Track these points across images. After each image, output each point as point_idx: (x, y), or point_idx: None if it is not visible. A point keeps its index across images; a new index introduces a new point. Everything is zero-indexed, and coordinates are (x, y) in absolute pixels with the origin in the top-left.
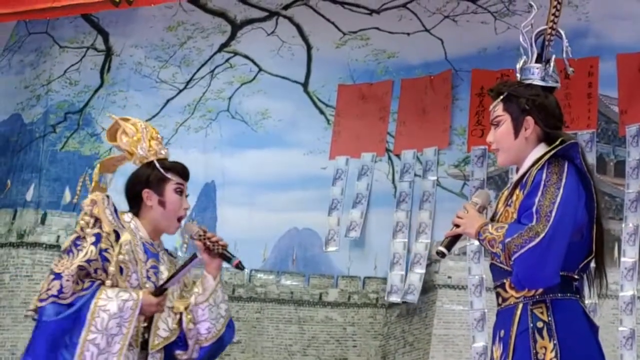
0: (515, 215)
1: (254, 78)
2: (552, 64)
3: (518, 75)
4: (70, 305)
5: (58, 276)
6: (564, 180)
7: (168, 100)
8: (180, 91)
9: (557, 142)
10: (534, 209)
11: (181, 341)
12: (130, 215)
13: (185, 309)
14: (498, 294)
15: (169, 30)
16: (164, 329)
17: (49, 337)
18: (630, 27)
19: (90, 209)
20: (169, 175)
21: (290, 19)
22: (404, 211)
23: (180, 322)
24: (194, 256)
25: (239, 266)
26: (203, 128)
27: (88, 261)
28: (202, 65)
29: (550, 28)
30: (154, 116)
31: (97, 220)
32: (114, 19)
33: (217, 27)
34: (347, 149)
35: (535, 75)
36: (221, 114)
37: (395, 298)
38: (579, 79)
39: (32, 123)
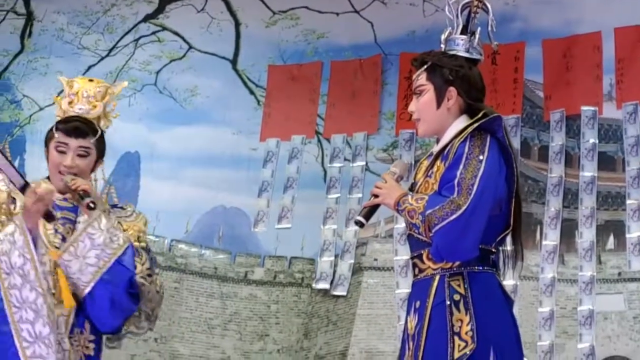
0: (435, 187)
1: (184, 55)
2: (477, 36)
3: (442, 46)
4: None
5: None
6: (486, 154)
7: (90, 67)
8: (103, 58)
9: (480, 115)
10: (455, 182)
11: None
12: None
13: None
14: (415, 265)
15: None
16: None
17: None
18: (556, 12)
19: None
20: (55, 134)
21: None
22: (334, 197)
23: None
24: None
25: (89, 206)
26: (126, 97)
27: None
28: (126, 34)
29: (477, 0)
30: None
31: None
32: None
33: None
34: (277, 131)
35: (460, 47)
36: (148, 87)
37: (323, 285)
38: (505, 64)
39: None
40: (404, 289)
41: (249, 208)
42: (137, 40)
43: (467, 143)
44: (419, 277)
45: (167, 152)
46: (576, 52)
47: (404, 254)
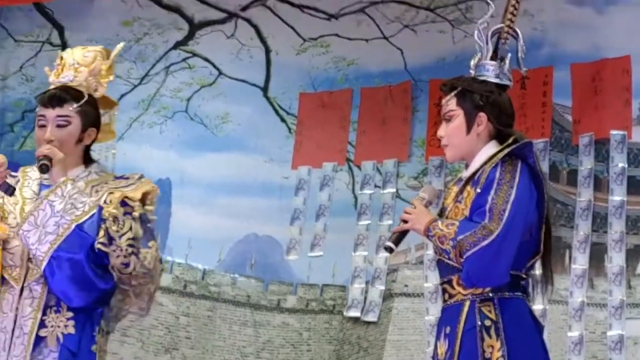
0: (466, 212)
1: (214, 81)
2: (507, 62)
3: (472, 71)
4: None
5: None
6: (517, 179)
7: (122, 95)
8: (135, 86)
9: (510, 140)
10: (487, 207)
11: None
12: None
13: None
14: (444, 290)
15: (124, 25)
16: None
17: None
18: (584, 36)
19: None
20: (37, 109)
21: (248, 21)
22: (365, 224)
23: None
24: None
25: (41, 168)
26: (157, 124)
27: None
28: (157, 61)
29: (507, 26)
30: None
31: None
32: (68, 13)
33: (172, 23)
34: (309, 159)
35: (490, 72)
36: (179, 114)
37: (354, 312)
38: (534, 89)
39: None
40: (434, 314)
41: (281, 236)
42: (167, 67)
43: (499, 169)
44: (448, 302)
45: (198, 180)
46: (605, 76)
47: (434, 280)
